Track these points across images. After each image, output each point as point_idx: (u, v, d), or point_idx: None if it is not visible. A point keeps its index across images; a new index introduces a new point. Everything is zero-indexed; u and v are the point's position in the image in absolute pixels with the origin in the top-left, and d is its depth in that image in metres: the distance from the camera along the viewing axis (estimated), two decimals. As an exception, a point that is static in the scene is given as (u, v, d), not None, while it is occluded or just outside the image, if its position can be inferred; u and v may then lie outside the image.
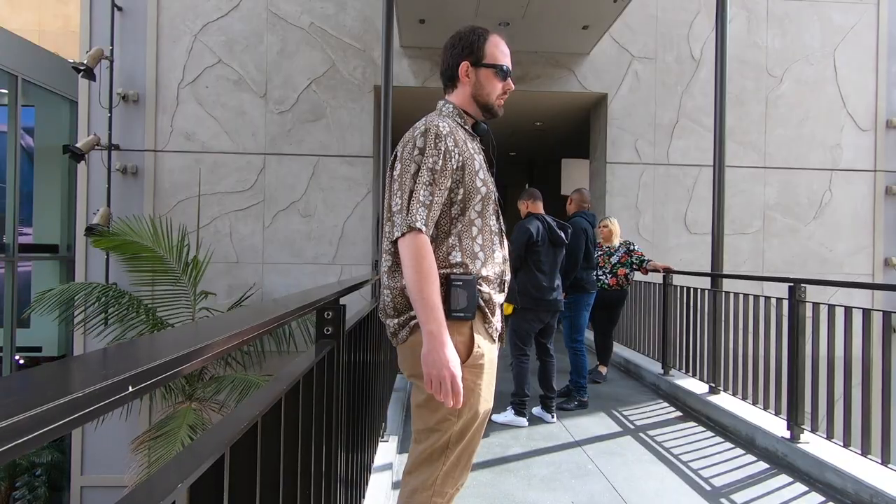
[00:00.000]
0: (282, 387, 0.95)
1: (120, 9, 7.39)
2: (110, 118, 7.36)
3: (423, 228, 1.34)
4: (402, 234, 1.34)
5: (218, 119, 7.45)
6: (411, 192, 1.36)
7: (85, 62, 6.92)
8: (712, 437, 3.62)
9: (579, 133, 9.57)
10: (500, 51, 1.55)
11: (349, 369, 1.65)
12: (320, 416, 1.24)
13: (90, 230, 6.80)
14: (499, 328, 1.50)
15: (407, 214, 1.35)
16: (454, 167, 1.41)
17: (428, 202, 1.36)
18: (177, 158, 7.47)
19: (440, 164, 1.39)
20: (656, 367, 5.00)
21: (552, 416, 3.92)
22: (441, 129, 1.41)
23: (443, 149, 1.40)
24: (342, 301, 1.42)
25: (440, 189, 1.39)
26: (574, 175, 12.05)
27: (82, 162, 7.20)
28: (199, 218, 6.83)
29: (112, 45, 7.36)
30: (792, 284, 3.19)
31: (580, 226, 4.26)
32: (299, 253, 7.40)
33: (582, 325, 4.49)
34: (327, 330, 1.36)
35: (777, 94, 7.94)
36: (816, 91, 7.92)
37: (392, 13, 4.82)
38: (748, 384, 3.68)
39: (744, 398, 3.72)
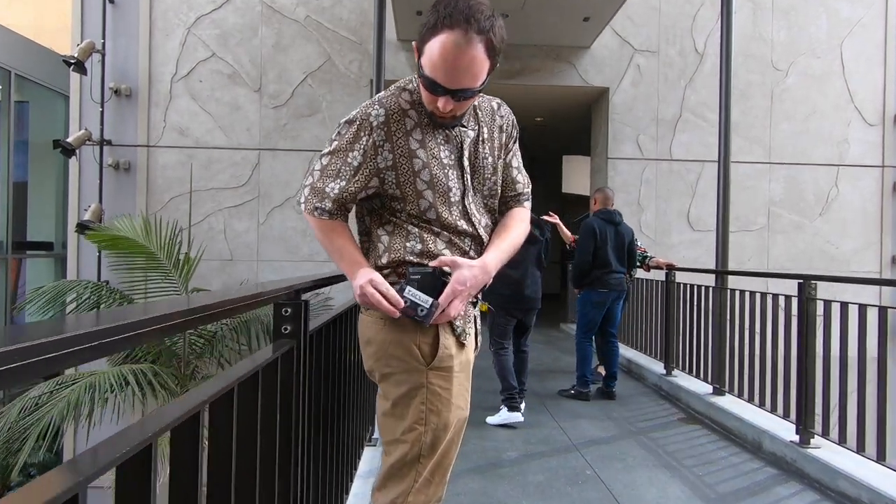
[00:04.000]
0: (204, 397, 0.80)
1: (112, 1, 7.26)
2: (102, 113, 7.23)
3: (315, 210, 1.31)
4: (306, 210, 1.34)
5: (212, 114, 7.32)
6: (313, 170, 1.34)
7: (76, 55, 6.80)
8: (717, 440, 3.47)
9: (580, 129, 9.42)
10: (437, 56, 1.17)
11: (319, 371, 1.50)
12: (270, 424, 1.09)
13: (81, 227, 6.68)
14: (468, 328, 1.35)
15: (305, 190, 1.34)
16: (376, 164, 1.28)
17: (320, 186, 1.31)
18: (170, 154, 7.34)
19: (342, 151, 1.30)
20: (658, 368, 4.84)
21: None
22: (361, 115, 1.28)
23: (348, 136, 1.29)
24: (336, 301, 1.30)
25: (342, 176, 1.30)
26: (575, 172, 11.89)
27: (73, 157, 7.08)
28: (190, 214, 6.70)
29: (104, 38, 7.23)
30: (801, 281, 3.03)
31: (590, 226, 4.29)
32: (295, 250, 7.26)
33: (589, 320, 4.37)
34: (285, 328, 1.21)
35: (783, 88, 7.77)
36: (823, 85, 7.74)
37: (384, 4, 4.68)
38: (755, 386, 3.52)
39: (750, 400, 3.56)
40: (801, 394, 3.01)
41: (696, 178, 7.68)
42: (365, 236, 1.38)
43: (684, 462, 3.10)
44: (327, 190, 1.29)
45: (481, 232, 1.36)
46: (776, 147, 7.78)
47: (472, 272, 1.25)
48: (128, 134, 7.35)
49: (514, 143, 1.47)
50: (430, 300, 1.19)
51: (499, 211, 1.45)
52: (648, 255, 4.96)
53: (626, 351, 5.73)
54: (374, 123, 1.27)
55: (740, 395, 3.69)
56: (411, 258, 1.28)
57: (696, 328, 4.34)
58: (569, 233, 4.78)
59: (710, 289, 4.17)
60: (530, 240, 3.64)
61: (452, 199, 1.31)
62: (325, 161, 1.31)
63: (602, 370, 4.84)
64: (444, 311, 1.23)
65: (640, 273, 5.32)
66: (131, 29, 7.32)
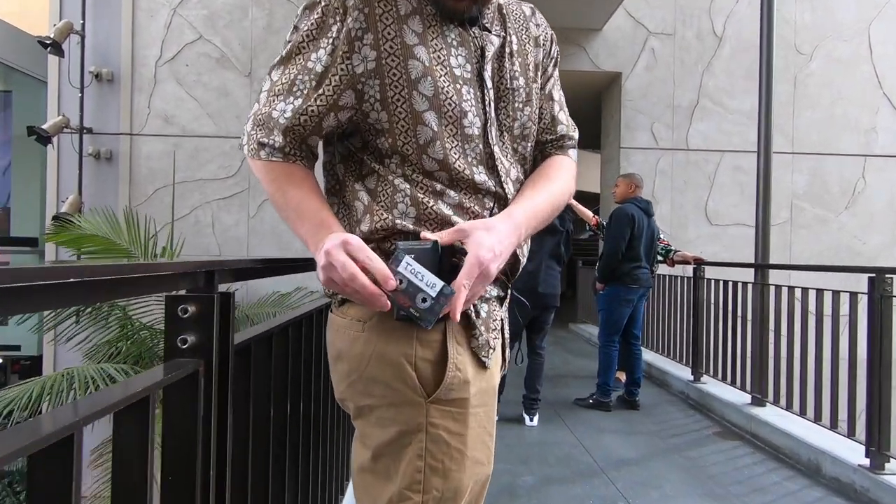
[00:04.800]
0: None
1: (91, -22, 6.79)
2: (81, 98, 6.78)
3: (261, 150, 0.84)
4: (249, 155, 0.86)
5: (199, 100, 6.87)
6: (259, 93, 0.87)
7: (52, 36, 6.35)
8: (764, 461, 3.00)
9: (590, 119, 8.96)
10: None
11: (260, 413, 1.02)
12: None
13: (57, 220, 6.24)
14: (492, 341, 0.88)
15: (247, 124, 0.87)
16: (351, 68, 0.81)
17: (266, 111, 0.84)
18: (154, 143, 6.90)
19: (298, 55, 0.84)
20: (685, 374, 4.39)
21: (532, 419, 3.56)
22: None
23: (307, 29, 0.83)
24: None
25: (296, 92, 0.83)
26: (582, 168, 11.45)
27: (51, 146, 6.64)
28: (173, 208, 6.24)
29: (83, 19, 6.77)
30: (874, 275, 2.57)
31: (627, 213, 3.85)
32: (287, 245, 6.81)
33: (615, 321, 3.92)
34: (183, 340, 0.74)
35: (806, 74, 7.31)
36: (849, 70, 7.30)
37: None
38: (807, 397, 3.06)
39: (802, 413, 3.09)
40: (871, 408, 2.55)
41: (714, 168, 7.24)
42: (336, 196, 0.92)
43: (731, 489, 2.64)
44: (275, 115, 0.83)
45: (509, 189, 0.89)
46: (799, 136, 7.32)
47: (496, 236, 0.78)
48: (109, 121, 6.91)
49: (555, 66, 1.01)
50: (439, 283, 0.72)
51: (536, 162, 1.00)
52: (672, 248, 4.49)
53: (646, 354, 5.26)
54: (349, 2, 0.81)
55: (789, 408, 3.22)
56: (405, 226, 0.83)
57: (729, 330, 3.88)
58: (588, 212, 4.28)
59: (750, 285, 3.70)
60: (548, 229, 3.18)
61: (468, 132, 0.84)
62: (274, 76, 0.85)
63: (622, 376, 4.37)
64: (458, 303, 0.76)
65: (661, 268, 4.86)
66: (113, 9, 6.87)
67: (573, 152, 1.01)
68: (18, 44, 8.20)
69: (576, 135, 1.02)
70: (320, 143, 0.91)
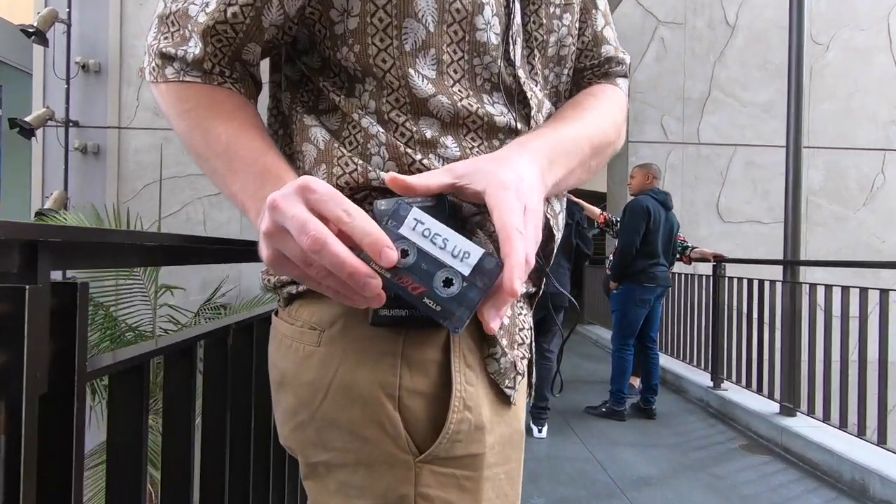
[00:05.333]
0: None
1: (76, -36, 6.53)
2: (67, 90, 6.53)
3: (168, 63, 0.55)
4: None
5: (189, 91, 6.60)
6: None
7: (35, 24, 6.10)
8: (801, 478, 2.72)
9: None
10: None
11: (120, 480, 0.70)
12: None
13: (40, 216, 6.00)
14: (520, 361, 0.58)
15: (149, 35, 0.56)
16: None
17: (175, 7, 0.54)
18: (143, 136, 6.65)
19: None
20: (703, 379, 4.10)
21: (540, 430, 3.29)
22: None
23: None
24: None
25: None
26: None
27: (35, 140, 6.40)
28: (160, 204, 5.95)
29: (69, 7, 6.52)
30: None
31: (642, 205, 3.58)
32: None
33: (630, 323, 3.63)
34: None
35: (822, 64, 7.03)
36: (867, 60, 7.03)
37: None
38: (848, 407, 2.77)
39: (842, 427, 2.79)
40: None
41: (726, 163, 6.97)
42: (283, 137, 0.63)
43: (768, 512, 2.36)
44: (192, 11, 0.54)
45: (537, 121, 0.60)
46: (815, 129, 7.03)
47: (515, 171, 0.48)
48: (96, 114, 6.66)
49: None
50: (476, 249, 0.43)
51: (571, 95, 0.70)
52: (689, 245, 4.20)
53: (661, 358, 4.97)
54: None
55: (826, 419, 2.93)
56: (377, 181, 0.53)
57: (754, 332, 3.59)
58: (595, 209, 4.00)
59: (779, 284, 3.40)
60: None
61: (481, 37, 0.55)
62: None
63: (635, 382, 4.08)
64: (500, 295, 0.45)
65: (677, 266, 4.56)
66: (100, -3, 6.62)
67: (623, 82, 0.72)
68: (5, 35, 7.96)
69: (627, 59, 0.72)
70: (265, 70, 0.62)
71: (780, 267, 3.51)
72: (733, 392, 3.79)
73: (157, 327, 5.57)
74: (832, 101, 7.02)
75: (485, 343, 0.55)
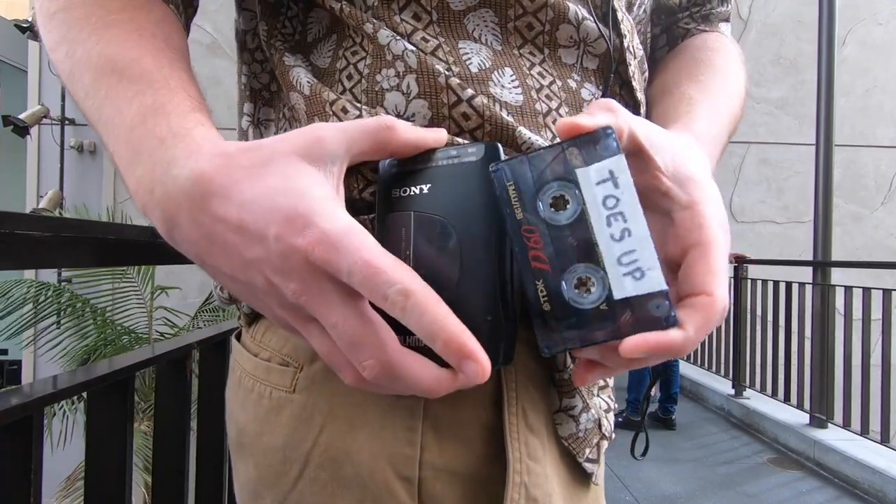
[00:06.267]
0: None
1: (72, -42, 6.40)
2: (63, 87, 6.38)
3: None
4: None
5: (188, 88, 6.47)
6: None
7: (29, 19, 6.01)
8: (838, 497, 2.53)
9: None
10: None
11: None
12: None
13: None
14: (605, 422, 0.40)
15: None
16: None
17: None
18: (141, 134, 6.50)
19: None
20: (724, 387, 3.91)
21: None
22: None
23: None
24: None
25: None
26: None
27: (29, 138, 6.30)
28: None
29: (64, 1, 6.38)
30: None
31: None
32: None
33: None
34: None
35: (839, 60, 6.80)
36: (886, 55, 6.88)
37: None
38: (890, 419, 2.56)
39: (884, 441, 2.60)
40: None
41: (739, 162, 6.81)
42: (277, 95, 0.46)
43: (808, 537, 2.17)
44: None
45: (634, 70, 0.42)
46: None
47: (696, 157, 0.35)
48: (93, 112, 6.52)
49: None
50: (659, 279, 0.26)
51: (658, 45, 0.53)
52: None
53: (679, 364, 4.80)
54: None
55: (864, 433, 2.73)
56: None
57: (781, 337, 3.39)
58: None
59: (808, 286, 3.21)
60: None
61: None
62: None
63: (653, 390, 3.89)
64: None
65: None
66: (96, -8, 6.49)
67: (726, 28, 0.54)
68: (2, 32, 7.87)
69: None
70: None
71: (800, 268, 3.33)
72: (756, 401, 3.59)
73: (154, 330, 5.42)
74: (849, 98, 6.84)
75: (554, 390, 0.36)
